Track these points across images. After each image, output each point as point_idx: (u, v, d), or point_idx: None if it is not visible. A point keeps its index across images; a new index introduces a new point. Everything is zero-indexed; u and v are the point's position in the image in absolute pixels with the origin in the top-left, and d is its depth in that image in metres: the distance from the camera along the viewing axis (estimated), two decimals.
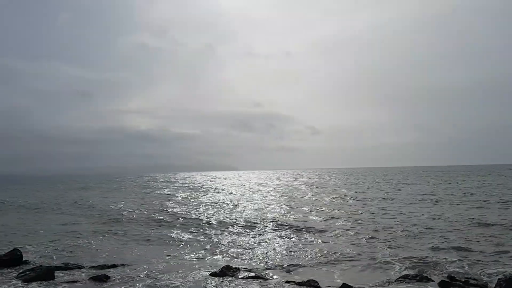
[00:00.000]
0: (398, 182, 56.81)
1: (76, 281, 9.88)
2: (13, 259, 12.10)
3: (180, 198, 36.62)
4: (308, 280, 9.53)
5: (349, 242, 14.63)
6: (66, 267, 11.56)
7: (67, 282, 9.80)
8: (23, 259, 12.33)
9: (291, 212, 23.54)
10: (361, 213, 22.26)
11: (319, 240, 15.20)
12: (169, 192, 46.24)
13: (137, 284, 9.48)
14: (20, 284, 9.69)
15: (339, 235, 16.09)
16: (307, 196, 35.40)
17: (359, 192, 38.44)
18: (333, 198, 32.56)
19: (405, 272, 10.27)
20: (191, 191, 47.33)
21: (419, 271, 10.37)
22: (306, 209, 25.11)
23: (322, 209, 24.46)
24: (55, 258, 12.93)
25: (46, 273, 10.37)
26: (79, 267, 11.63)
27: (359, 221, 19.13)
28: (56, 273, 10.53)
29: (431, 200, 28.31)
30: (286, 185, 58.63)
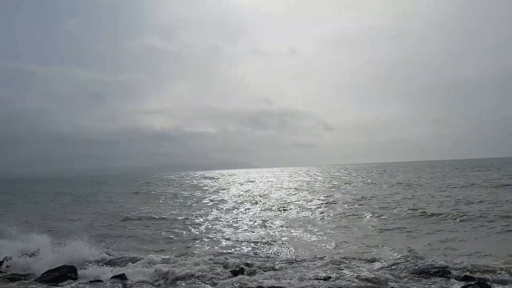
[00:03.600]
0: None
1: (99, 280, 10.16)
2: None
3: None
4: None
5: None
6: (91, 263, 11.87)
7: (90, 281, 10.04)
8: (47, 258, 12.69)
9: None
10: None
11: None
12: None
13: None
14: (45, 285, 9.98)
15: None
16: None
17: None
18: None
19: None
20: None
21: None
22: None
23: None
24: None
25: (68, 271, 10.68)
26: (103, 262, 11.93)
27: None
28: (80, 271, 10.85)
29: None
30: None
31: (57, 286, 9.79)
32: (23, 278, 10.66)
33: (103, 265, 11.56)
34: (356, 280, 9.16)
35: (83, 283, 9.88)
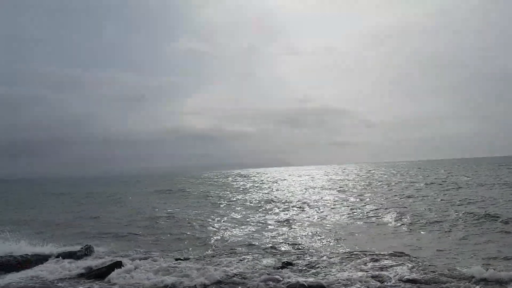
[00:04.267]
0: None
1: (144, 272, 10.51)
2: (87, 253, 13.11)
3: None
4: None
5: None
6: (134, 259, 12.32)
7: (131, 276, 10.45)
8: (96, 253, 13.31)
9: None
10: None
11: None
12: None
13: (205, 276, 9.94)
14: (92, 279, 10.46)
15: None
16: None
17: None
18: None
19: None
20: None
21: None
22: None
23: None
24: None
25: (114, 265, 11.10)
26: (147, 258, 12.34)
27: None
28: (124, 265, 11.26)
29: None
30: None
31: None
32: None
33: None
34: (400, 282, 8.94)
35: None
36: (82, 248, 13.47)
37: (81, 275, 10.88)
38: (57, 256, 12.91)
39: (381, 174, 65.10)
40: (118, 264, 11.12)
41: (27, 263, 12.13)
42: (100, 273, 10.65)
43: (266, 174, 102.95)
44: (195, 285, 9.23)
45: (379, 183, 41.23)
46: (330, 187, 40.17)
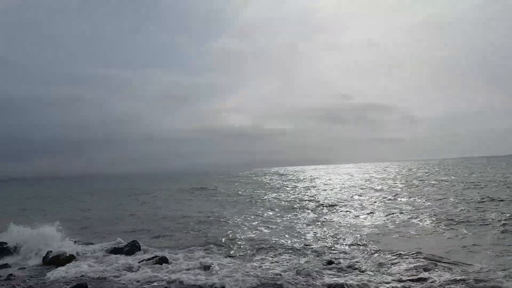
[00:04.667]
0: None
1: (188, 269, 10.87)
2: (133, 249, 13.69)
3: None
4: None
5: None
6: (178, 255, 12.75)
7: (179, 271, 10.81)
8: (141, 249, 13.87)
9: None
10: None
11: None
12: None
13: (249, 276, 10.17)
14: (140, 273, 10.94)
15: None
16: None
17: None
18: None
19: None
20: None
21: None
22: None
23: None
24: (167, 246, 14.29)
25: (160, 261, 11.57)
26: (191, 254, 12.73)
27: None
28: (170, 260, 11.73)
29: None
30: None
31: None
32: None
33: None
34: (444, 286, 8.75)
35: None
36: (128, 243, 14.07)
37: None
38: (105, 251, 13.63)
39: (424, 172, 62.95)
40: (164, 260, 11.59)
41: (73, 258, 12.83)
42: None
43: (305, 172, 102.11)
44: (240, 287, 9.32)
45: (421, 182, 39.89)
46: (368, 186, 39.20)
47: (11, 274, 10.97)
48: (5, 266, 12.45)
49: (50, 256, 12.73)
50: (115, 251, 13.59)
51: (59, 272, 11.26)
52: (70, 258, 12.55)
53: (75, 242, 15.19)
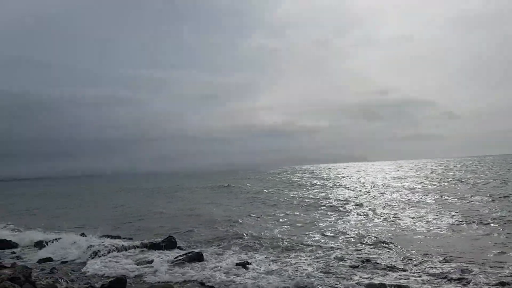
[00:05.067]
0: None
1: (221, 266, 10.97)
2: (169, 245, 13.95)
3: None
4: None
5: None
6: (214, 251, 12.90)
7: (215, 267, 10.93)
8: (177, 245, 14.12)
9: None
10: None
11: None
12: None
13: (282, 276, 10.07)
14: (176, 268, 11.14)
15: None
16: None
17: None
18: None
19: None
20: None
21: None
22: None
23: None
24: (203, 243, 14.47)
25: (196, 257, 11.72)
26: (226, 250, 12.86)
27: None
28: (205, 257, 11.87)
29: None
30: None
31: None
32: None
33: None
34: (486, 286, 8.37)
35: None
36: (165, 239, 14.34)
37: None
38: (142, 247, 13.95)
39: (461, 170, 60.40)
40: (199, 256, 11.75)
41: (113, 253, 13.22)
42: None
43: (337, 170, 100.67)
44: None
45: (457, 181, 38.28)
46: (401, 185, 37.67)
47: (54, 268, 11.48)
48: (49, 260, 13.00)
49: (91, 251, 13.19)
50: (153, 246, 13.87)
51: (100, 266, 11.66)
52: (110, 253, 12.96)
53: (114, 237, 15.67)
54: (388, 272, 9.80)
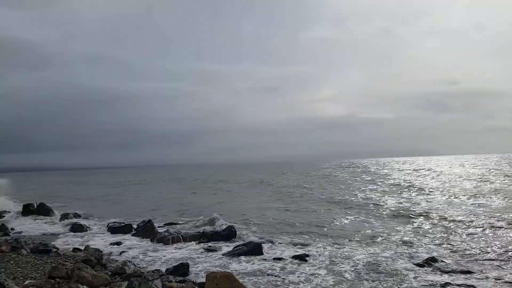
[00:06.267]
0: None
1: (280, 258, 10.99)
2: (229, 234, 14.21)
3: None
4: None
5: None
6: (272, 243, 12.98)
7: (274, 258, 10.99)
8: (237, 235, 14.34)
9: None
10: None
11: None
12: None
13: (336, 268, 9.89)
14: (236, 258, 11.32)
15: None
16: None
17: None
18: None
19: None
20: None
21: None
22: None
23: None
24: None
25: (255, 247, 11.81)
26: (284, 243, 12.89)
27: None
28: (264, 248, 11.95)
29: None
30: None
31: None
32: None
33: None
34: None
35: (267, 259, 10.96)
36: (225, 228, 14.64)
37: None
38: (203, 236, 14.36)
39: None
40: (258, 247, 11.83)
41: (179, 240, 13.75)
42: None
43: (401, 163, 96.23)
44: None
45: None
46: (470, 185, 32.52)
47: (123, 251, 12.21)
48: (120, 243, 13.78)
49: (157, 237, 13.85)
50: (214, 235, 14.15)
51: (166, 251, 12.32)
52: (175, 240, 13.56)
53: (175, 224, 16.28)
54: (456, 271, 9.33)
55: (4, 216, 22.06)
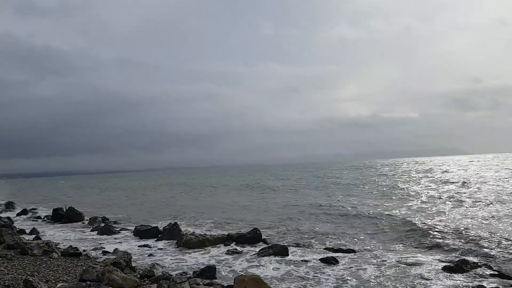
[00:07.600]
0: None
1: (307, 261, 10.87)
2: (255, 237, 14.16)
3: None
4: None
5: None
6: (298, 246, 12.90)
7: (301, 261, 10.89)
8: (262, 238, 14.29)
9: None
10: None
11: None
12: None
13: (366, 274, 9.62)
14: (263, 261, 11.27)
15: None
16: None
17: None
18: None
19: None
20: None
21: None
22: None
23: None
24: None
25: (281, 250, 11.74)
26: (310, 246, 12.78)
27: None
28: (290, 252, 11.86)
29: None
30: None
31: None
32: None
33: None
34: None
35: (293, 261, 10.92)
36: (250, 231, 14.59)
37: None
38: (228, 239, 14.37)
39: None
40: (285, 250, 11.76)
41: (205, 242, 13.78)
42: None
43: (424, 163, 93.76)
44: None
45: None
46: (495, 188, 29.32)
47: (151, 254, 12.36)
48: (147, 246, 13.94)
49: (183, 240, 13.92)
50: (239, 238, 14.14)
51: (192, 254, 12.40)
52: (201, 243, 13.60)
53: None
54: (486, 274, 9.02)
55: (37, 221, 22.83)
